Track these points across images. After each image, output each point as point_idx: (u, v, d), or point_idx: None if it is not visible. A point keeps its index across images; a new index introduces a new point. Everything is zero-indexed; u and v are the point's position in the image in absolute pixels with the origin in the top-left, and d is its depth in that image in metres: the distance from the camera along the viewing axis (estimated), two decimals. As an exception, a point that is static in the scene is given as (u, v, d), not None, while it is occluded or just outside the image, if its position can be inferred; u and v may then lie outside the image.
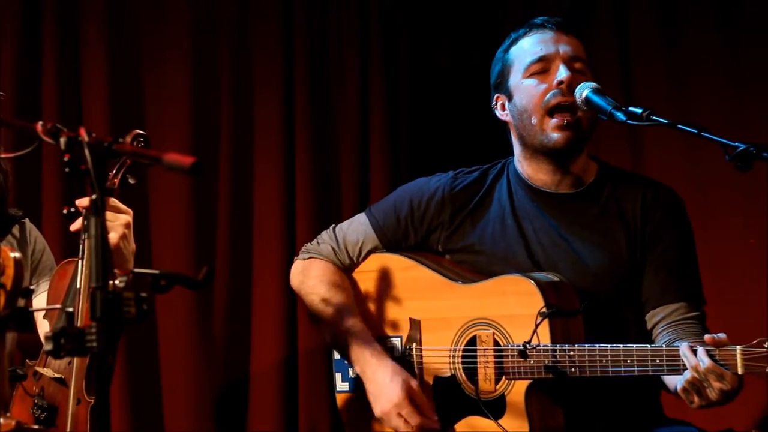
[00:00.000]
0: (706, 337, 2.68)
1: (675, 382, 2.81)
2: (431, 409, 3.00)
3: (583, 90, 2.93)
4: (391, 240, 3.18)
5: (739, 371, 2.63)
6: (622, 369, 2.76)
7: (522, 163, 3.10)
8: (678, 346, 2.72)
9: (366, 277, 3.19)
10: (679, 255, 3.02)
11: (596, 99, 2.91)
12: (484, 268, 3.05)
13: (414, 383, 3.00)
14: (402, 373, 3.01)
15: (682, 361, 2.69)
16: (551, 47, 3.02)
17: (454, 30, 4.37)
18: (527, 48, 3.05)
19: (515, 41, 3.08)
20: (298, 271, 3.26)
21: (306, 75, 4.19)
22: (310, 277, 3.20)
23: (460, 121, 4.27)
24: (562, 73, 2.98)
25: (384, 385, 3.00)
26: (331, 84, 4.24)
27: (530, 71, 3.02)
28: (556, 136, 2.98)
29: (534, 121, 3.00)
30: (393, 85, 4.25)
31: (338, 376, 3.21)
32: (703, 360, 2.65)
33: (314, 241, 3.26)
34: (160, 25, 4.16)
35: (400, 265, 3.14)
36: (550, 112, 2.98)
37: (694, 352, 2.67)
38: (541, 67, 3.01)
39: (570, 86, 2.96)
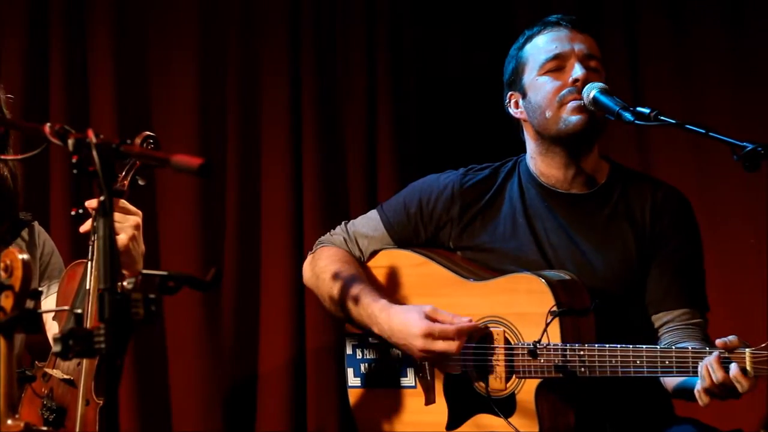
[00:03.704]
0: (718, 341, 2.67)
1: (673, 381, 2.81)
2: (456, 316, 2.94)
3: (591, 90, 2.94)
4: (401, 237, 3.17)
5: (749, 374, 2.63)
6: (632, 369, 2.76)
7: (535, 160, 3.09)
8: (686, 348, 2.72)
9: (377, 273, 3.18)
10: (684, 259, 3.02)
11: (604, 99, 2.91)
12: (495, 266, 3.04)
13: (427, 307, 2.96)
14: (411, 306, 3.00)
15: (691, 363, 2.68)
16: (566, 45, 3.02)
17: (461, 23, 4.35)
18: (542, 46, 3.04)
19: (530, 39, 3.08)
20: (309, 260, 3.25)
21: (313, 76, 4.18)
22: (322, 259, 3.18)
23: (467, 118, 4.25)
24: (577, 71, 2.97)
25: (404, 327, 2.96)
26: (338, 84, 4.23)
27: (545, 69, 3.02)
28: (574, 118, 2.96)
29: (549, 114, 3.00)
30: (400, 81, 4.24)
31: (350, 372, 3.19)
32: (731, 370, 2.62)
33: (327, 234, 3.27)
34: (167, 25, 4.16)
35: (411, 261, 3.13)
36: None
37: (721, 365, 2.63)
38: (556, 64, 3.01)
39: (585, 84, 2.95)
